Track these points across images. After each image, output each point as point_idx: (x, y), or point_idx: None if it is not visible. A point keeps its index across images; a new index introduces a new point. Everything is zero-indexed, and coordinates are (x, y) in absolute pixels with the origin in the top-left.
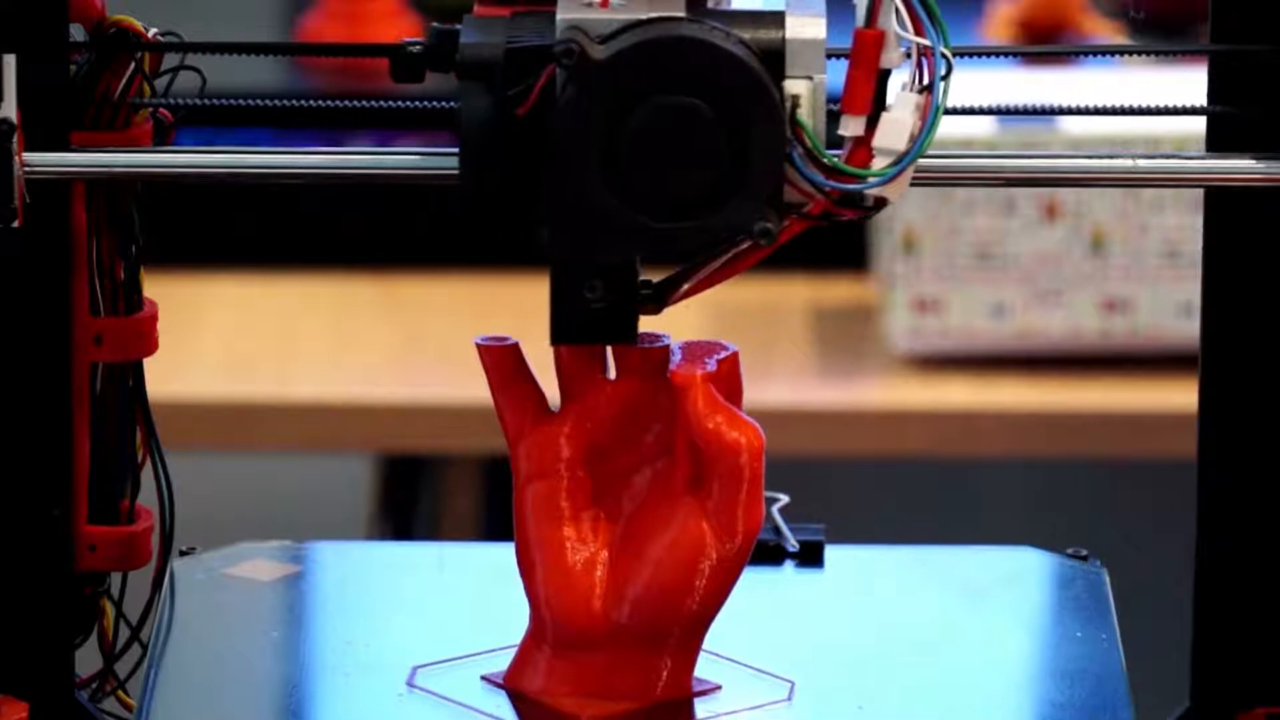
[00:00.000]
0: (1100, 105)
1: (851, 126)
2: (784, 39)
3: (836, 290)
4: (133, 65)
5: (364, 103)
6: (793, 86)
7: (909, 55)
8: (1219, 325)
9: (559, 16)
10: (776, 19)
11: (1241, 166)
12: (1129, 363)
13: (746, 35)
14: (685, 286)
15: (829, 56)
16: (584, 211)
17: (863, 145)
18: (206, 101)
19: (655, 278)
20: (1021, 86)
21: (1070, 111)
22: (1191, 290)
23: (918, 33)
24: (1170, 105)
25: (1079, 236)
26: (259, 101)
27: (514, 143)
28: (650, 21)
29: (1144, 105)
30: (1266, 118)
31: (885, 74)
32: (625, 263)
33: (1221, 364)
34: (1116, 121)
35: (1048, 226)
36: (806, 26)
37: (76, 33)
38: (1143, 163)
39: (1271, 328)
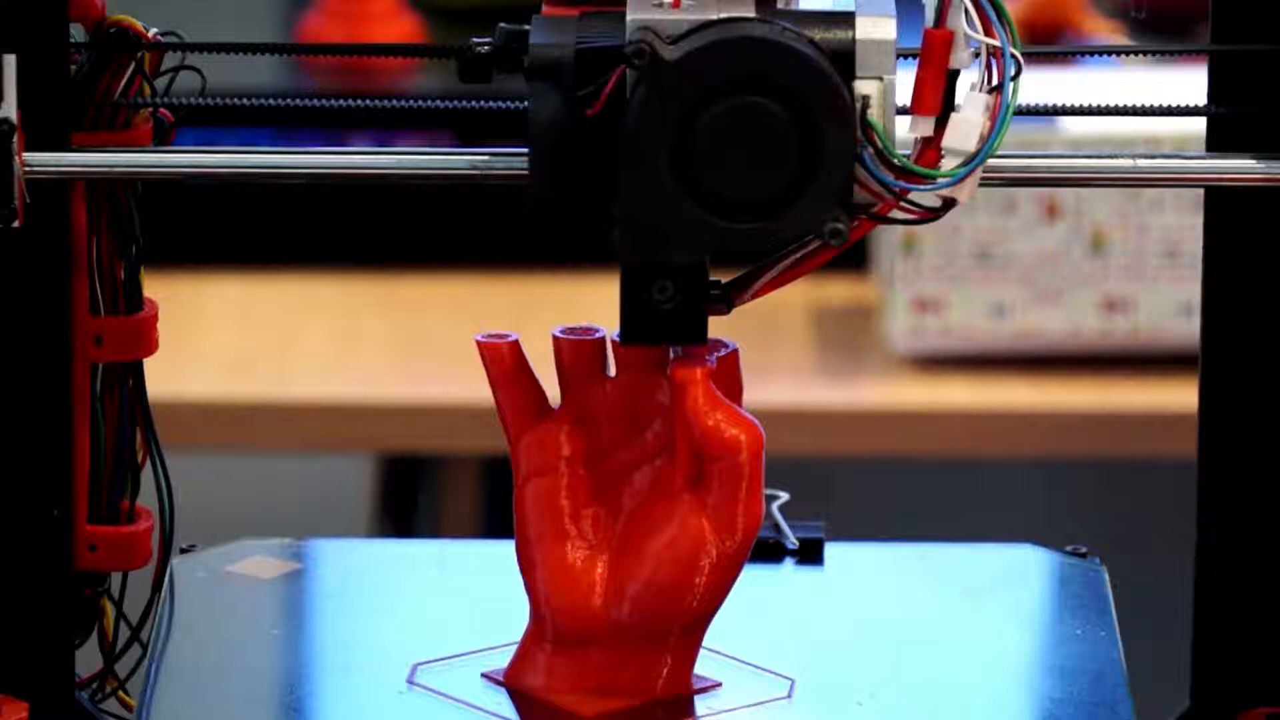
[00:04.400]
0: (1100, 105)
1: (921, 127)
2: (854, 39)
3: (836, 290)
4: (133, 65)
5: (364, 103)
6: (863, 87)
7: (978, 55)
8: (1219, 325)
9: (629, 17)
10: (846, 19)
11: (1241, 166)
12: (1129, 363)
13: (816, 36)
14: (754, 286)
15: (899, 57)
16: (655, 212)
17: (932, 146)
18: (206, 101)
19: (724, 278)
20: (1022, 86)
21: (1070, 111)
22: (1191, 290)
23: (987, 33)
24: (1170, 105)
25: (1079, 236)
26: (259, 101)
27: (584, 144)
28: (721, 22)
29: (1144, 105)
30: (1266, 118)
31: (954, 74)
32: (695, 263)
33: (1221, 364)
34: (1116, 121)
35: (1048, 226)
36: (876, 27)
37: (76, 33)
38: (1143, 163)
39: (1271, 328)
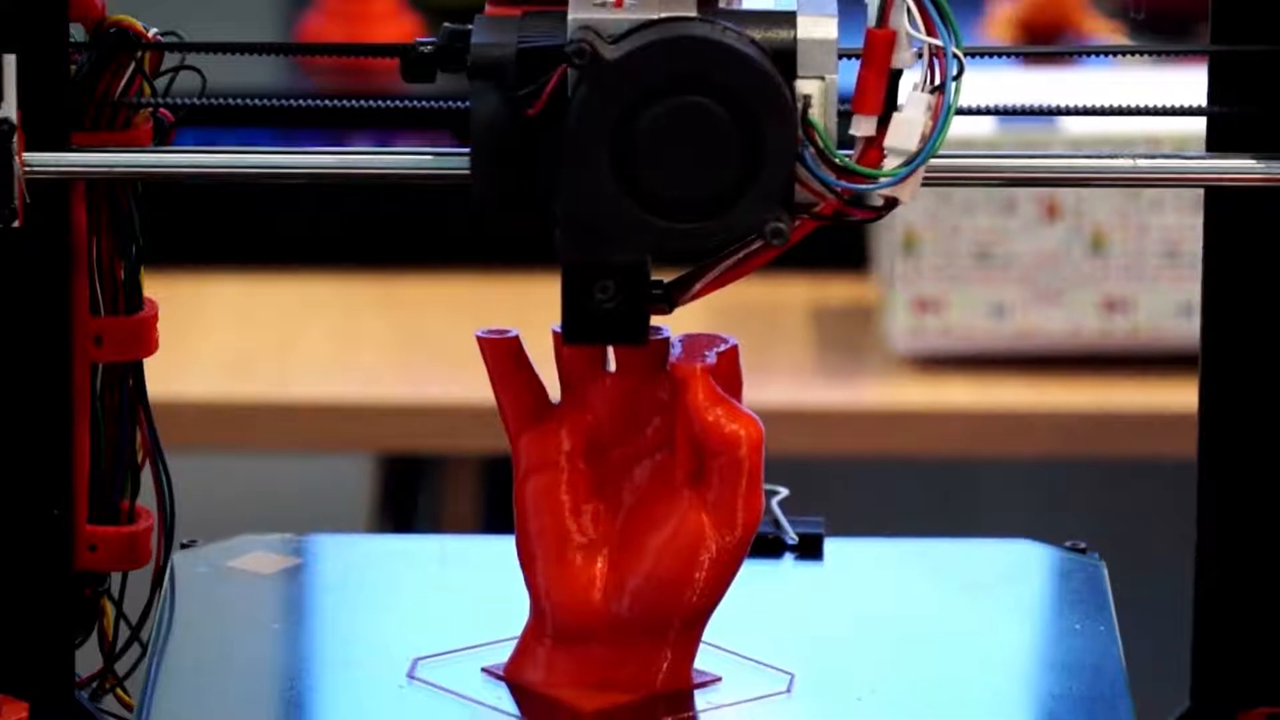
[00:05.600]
0: (1100, 105)
1: (863, 126)
2: (795, 39)
3: (836, 290)
4: (133, 65)
5: (364, 103)
6: (804, 86)
7: (920, 55)
8: (1219, 325)
9: (570, 16)
10: (788, 19)
11: (1241, 166)
12: (1129, 363)
13: (758, 35)
14: (696, 287)
15: (841, 56)
16: (596, 212)
17: (874, 145)
18: (206, 101)
19: (666, 278)
20: (1021, 86)
21: (1070, 111)
22: (1191, 290)
23: (929, 33)
24: (1170, 105)
25: (1079, 236)
26: (259, 101)
27: (525, 143)
28: (662, 21)
29: (1144, 105)
30: (1266, 118)
31: (897, 74)
32: (637, 263)
33: (1221, 364)
34: (1116, 121)
35: (1048, 226)
36: (818, 26)
37: (76, 33)
38: (1143, 163)
39: (1271, 328)
